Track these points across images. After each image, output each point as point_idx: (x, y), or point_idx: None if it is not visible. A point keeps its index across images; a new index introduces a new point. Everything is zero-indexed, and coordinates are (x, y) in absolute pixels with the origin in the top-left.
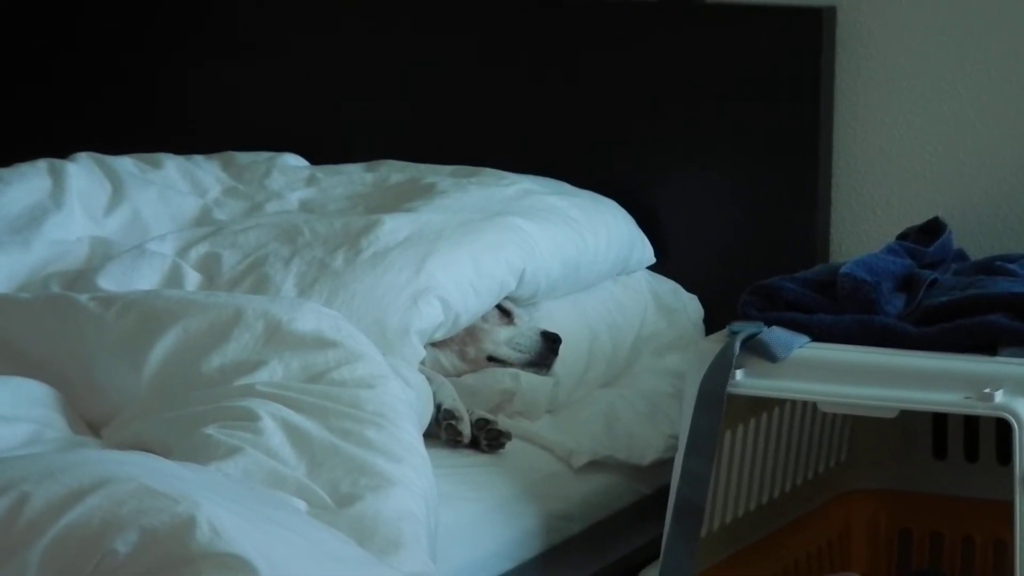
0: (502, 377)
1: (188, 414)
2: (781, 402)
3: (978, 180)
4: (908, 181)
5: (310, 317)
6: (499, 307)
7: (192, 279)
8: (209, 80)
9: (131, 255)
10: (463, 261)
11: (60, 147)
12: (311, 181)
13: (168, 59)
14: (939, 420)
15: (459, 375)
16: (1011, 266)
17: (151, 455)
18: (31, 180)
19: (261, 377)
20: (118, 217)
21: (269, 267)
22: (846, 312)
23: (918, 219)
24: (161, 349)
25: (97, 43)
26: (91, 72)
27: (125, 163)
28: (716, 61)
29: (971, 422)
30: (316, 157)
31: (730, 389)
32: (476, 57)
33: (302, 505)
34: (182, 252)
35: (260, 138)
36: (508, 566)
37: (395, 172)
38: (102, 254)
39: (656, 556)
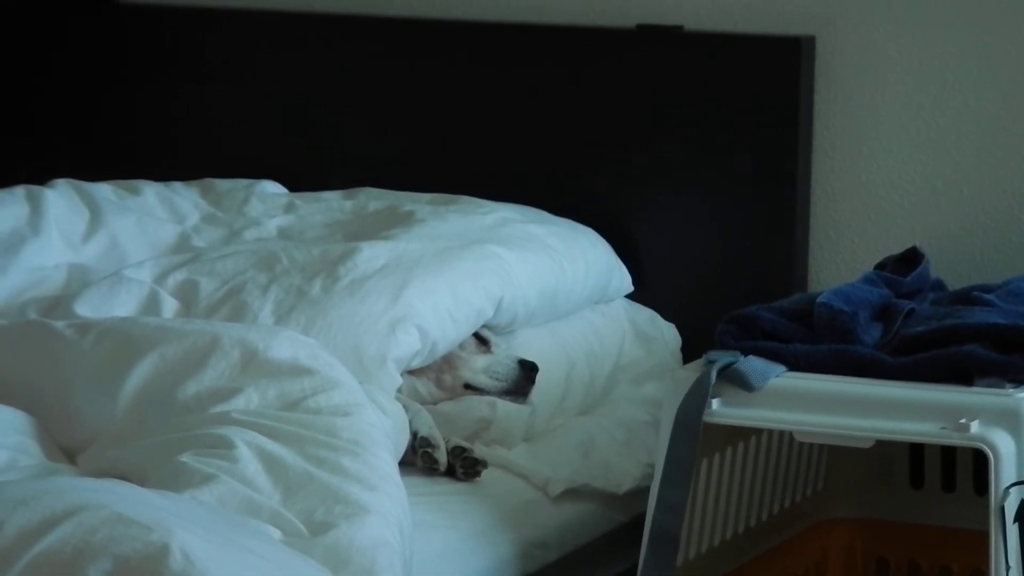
0: (479, 405)
1: (163, 441)
2: (758, 431)
3: (956, 210)
4: (886, 211)
5: (286, 345)
6: (476, 335)
7: (169, 306)
8: (188, 110)
9: (108, 282)
10: (441, 289)
11: (39, 181)
12: (289, 208)
13: (147, 91)
14: (916, 450)
15: (436, 403)
16: (988, 296)
17: (125, 483)
18: (8, 206)
19: (237, 405)
20: (96, 244)
21: (247, 294)
22: (823, 342)
23: (896, 249)
24: (137, 376)
25: (76, 76)
26: (70, 105)
27: (103, 190)
28: (695, 89)
29: (948, 452)
30: (295, 184)
31: (706, 418)
32: (454, 85)
33: (276, 533)
34: (160, 279)
35: (240, 167)
36: None
37: (373, 200)
38: (79, 281)
39: None
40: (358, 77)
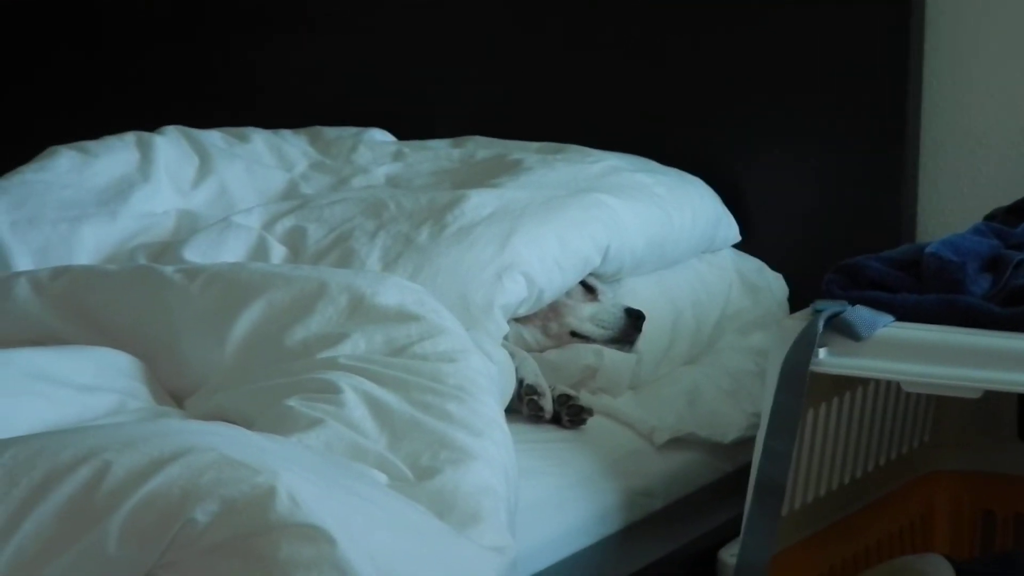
0: (585, 353)
1: (271, 386)
2: (864, 381)
3: None
4: (996, 161)
5: (393, 291)
6: (583, 283)
7: (277, 252)
8: (296, 57)
9: (217, 228)
10: (548, 237)
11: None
12: (398, 156)
13: (256, 41)
14: None
15: (542, 351)
16: None
17: (233, 426)
18: (119, 153)
19: (344, 350)
20: (205, 190)
21: (354, 241)
22: (931, 292)
23: (1005, 200)
24: (245, 321)
25: (182, 26)
26: (177, 57)
27: (212, 136)
28: (803, 38)
29: None
30: (403, 133)
31: (813, 367)
32: (564, 35)
33: (382, 478)
34: (268, 225)
35: (347, 115)
36: (589, 541)
37: (481, 148)
38: (188, 227)
39: (736, 534)
40: (468, 26)
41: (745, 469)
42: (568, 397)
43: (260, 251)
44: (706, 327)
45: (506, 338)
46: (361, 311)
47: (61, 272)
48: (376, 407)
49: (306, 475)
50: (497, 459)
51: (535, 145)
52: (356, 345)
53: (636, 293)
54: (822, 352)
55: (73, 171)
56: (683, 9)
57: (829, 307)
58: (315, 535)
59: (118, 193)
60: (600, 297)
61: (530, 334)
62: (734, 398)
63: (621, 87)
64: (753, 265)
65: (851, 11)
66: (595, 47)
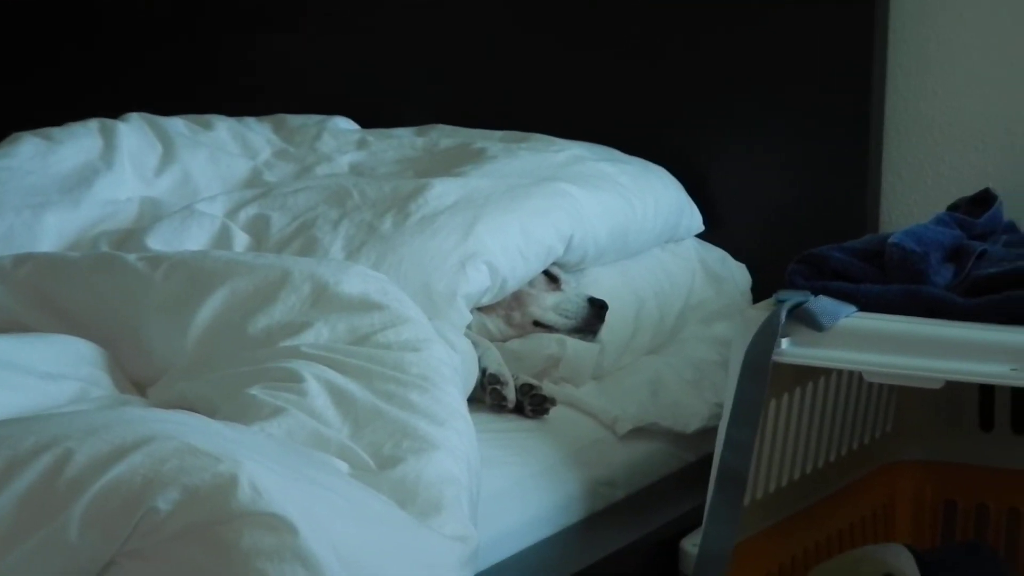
0: (548, 343)
1: (233, 374)
2: (827, 371)
3: None
4: (959, 152)
5: (357, 280)
6: (546, 273)
7: (241, 240)
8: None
9: (180, 216)
10: (511, 226)
11: (113, 113)
12: (361, 144)
13: (223, 26)
14: (986, 391)
15: (505, 340)
16: None
17: (195, 414)
18: (82, 139)
19: (307, 339)
20: (168, 178)
21: (317, 230)
22: (893, 282)
23: (968, 190)
24: (208, 309)
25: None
26: (146, 41)
27: (176, 124)
28: (767, 30)
29: (1018, 394)
30: (367, 121)
31: (775, 358)
32: (530, 24)
33: (344, 466)
34: (231, 213)
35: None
36: (550, 531)
37: (445, 137)
38: (151, 214)
39: (699, 524)
40: (433, 15)
41: (708, 459)
42: (531, 387)
43: (223, 239)
44: (669, 317)
45: (469, 327)
46: (324, 300)
47: (24, 259)
48: (338, 396)
49: (268, 464)
50: (459, 448)
51: (498, 134)
52: (319, 334)
53: (599, 282)
54: (784, 342)
55: (36, 157)
56: (651, 8)
57: (792, 297)
58: (277, 524)
59: (81, 180)
60: (563, 286)
61: (493, 323)
62: (697, 388)
63: (587, 78)
64: (716, 255)
65: (815, 4)
66: (562, 38)
